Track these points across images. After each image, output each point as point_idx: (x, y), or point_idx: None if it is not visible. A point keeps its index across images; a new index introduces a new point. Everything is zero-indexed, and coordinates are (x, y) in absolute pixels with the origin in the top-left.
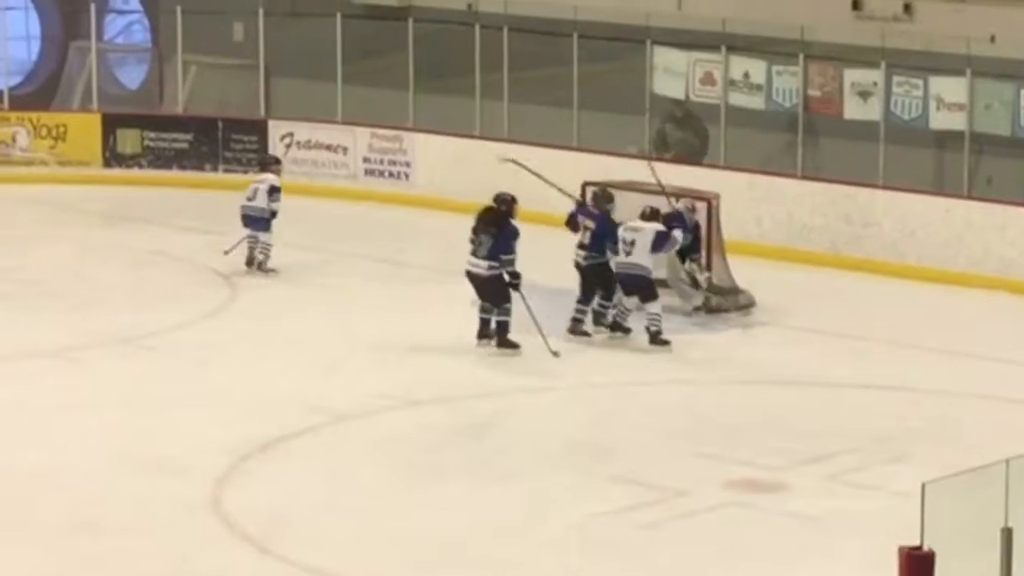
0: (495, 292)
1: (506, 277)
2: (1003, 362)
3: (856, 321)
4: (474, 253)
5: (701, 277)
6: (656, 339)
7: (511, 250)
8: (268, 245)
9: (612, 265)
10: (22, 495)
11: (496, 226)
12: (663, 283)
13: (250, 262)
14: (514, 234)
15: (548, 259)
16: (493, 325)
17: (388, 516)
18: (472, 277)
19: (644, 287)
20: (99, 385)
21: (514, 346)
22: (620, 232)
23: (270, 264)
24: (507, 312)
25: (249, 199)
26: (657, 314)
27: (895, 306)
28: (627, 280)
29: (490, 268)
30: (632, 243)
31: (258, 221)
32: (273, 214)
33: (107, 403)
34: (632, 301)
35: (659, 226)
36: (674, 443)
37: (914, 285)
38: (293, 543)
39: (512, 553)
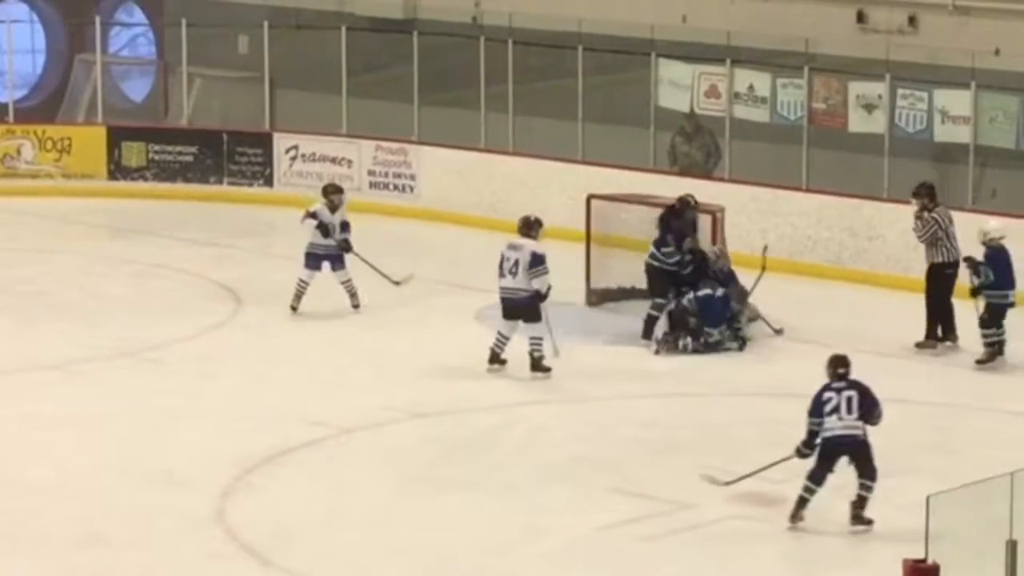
0: None
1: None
2: (1008, 375)
3: (860, 334)
4: None
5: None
6: (538, 365)
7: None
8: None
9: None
10: (27, 508)
11: None
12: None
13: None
14: None
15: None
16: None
17: (391, 529)
18: None
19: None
20: (103, 398)
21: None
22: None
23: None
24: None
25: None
26: (539, 338)
27: (899, 319)
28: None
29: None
30: (516, 263)
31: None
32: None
33: (111, 416)
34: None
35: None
36: (677, 456)
37: (919, 298)
38: (297, 556)
39: (514, 566)
